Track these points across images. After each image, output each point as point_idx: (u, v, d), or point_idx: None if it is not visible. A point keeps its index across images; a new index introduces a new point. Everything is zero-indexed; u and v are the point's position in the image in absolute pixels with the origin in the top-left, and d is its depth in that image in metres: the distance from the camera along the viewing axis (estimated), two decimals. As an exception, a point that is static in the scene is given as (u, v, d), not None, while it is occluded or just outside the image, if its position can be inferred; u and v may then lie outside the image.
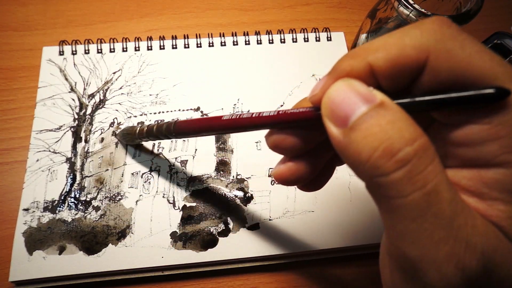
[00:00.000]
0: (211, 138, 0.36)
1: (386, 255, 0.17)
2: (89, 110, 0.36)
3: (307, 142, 0.19)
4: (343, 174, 0.35)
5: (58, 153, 0.34)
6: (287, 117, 0.18)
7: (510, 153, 0.14)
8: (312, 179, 0.21)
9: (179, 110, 0.37)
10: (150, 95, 0.37)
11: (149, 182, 0.34)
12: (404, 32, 0.16)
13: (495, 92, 0.14)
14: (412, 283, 0.15)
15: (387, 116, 0.14)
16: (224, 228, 0.33)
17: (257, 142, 0.36)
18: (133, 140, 0.33)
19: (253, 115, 0.20)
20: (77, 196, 0.33)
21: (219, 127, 0.22)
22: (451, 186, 0.14)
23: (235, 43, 0.41)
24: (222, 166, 0.35)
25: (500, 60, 0.15)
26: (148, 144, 0.35)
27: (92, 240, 0.31)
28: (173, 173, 0.34)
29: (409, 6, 0.30)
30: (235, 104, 0.38)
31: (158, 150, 0.35)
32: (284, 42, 0.41)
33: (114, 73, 0.38)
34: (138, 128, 0.31)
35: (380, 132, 0.14)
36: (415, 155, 0.13)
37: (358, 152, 0.14)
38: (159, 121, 0.29)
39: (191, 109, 0.37)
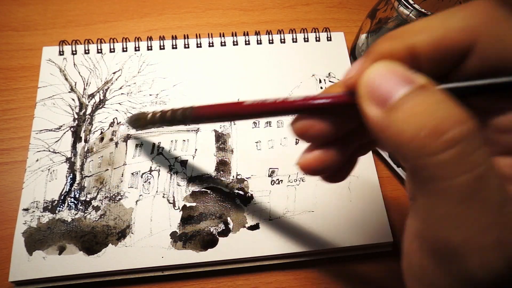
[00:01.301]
0: (211, 138, 0.36)
1: (415, 241, 0.16)
2: (89, 110, 0.36)
3: (336, 129, 0.18)
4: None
5: (58, 153, 0.34)
6: (317, 103, 0.17)
7: None
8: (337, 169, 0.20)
9: (179, 110, 0.37)
10: (150, 95, 0.37)
11: (149, 182, 0.34)
12: (448, 14, 0.15)
13: None
14: (446, 268, 0.14)
15: (433, 97, 0.14)
16: (224, 228, 0.33)
17: (257, 142, 0.36)
18: (143, 126, 0.32)
19: (277, 101, 0.18)
20: (77, 196, 0.33)
21: (241, 113, 0.20)
22: (497, 172, 0.13)
23: (235, 43, 0.41)
24: (222, 166, 0.35)
25: None
26: (148, 144, 0.35)
27: (92, 240, 0.31)
28: (173, 173, 0.34)
29: (409, 6, 0.30)
30: (235, 104, 0.38)
31: (158, 150, 0.35)
32: (284, 42, 0.41)
33: (114, 73, 0.38)
34: (151, 113, 0.30)
35: (426, 111, 0.13)
36: (465, 137, 0.13)
37: (400, 132, 0.14)
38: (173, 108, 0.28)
39: (191, 109, 0.37)
